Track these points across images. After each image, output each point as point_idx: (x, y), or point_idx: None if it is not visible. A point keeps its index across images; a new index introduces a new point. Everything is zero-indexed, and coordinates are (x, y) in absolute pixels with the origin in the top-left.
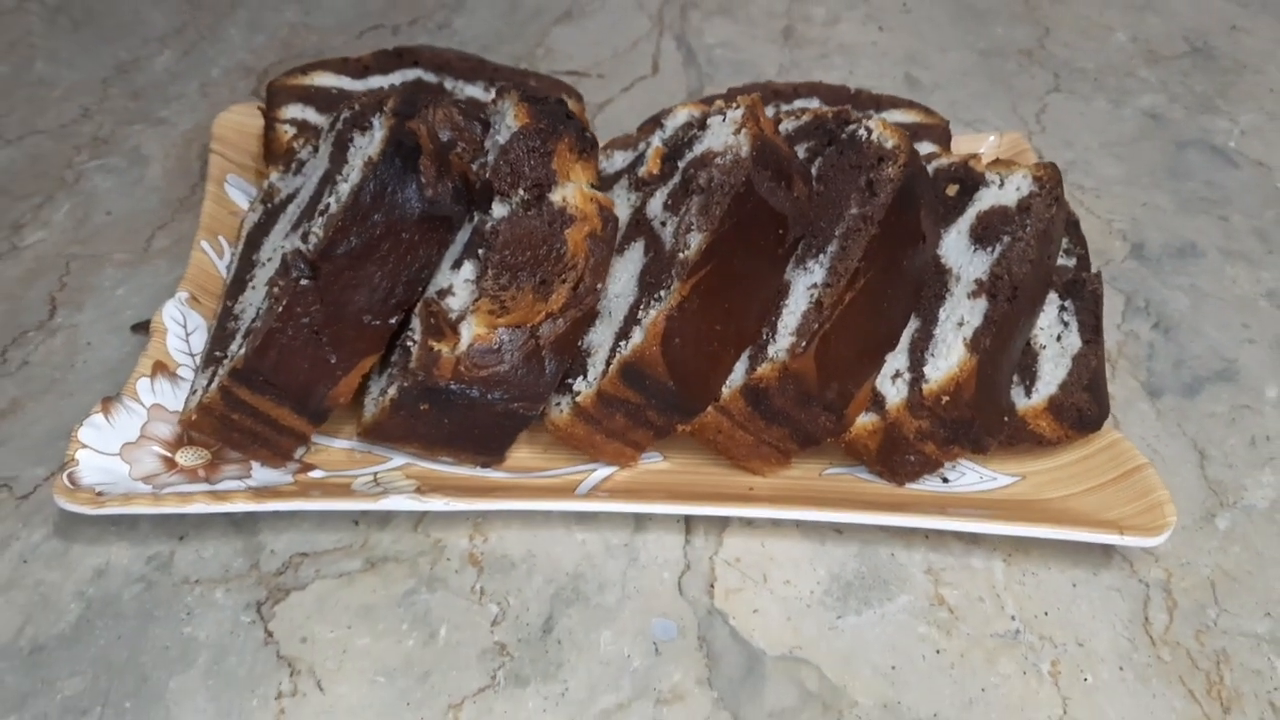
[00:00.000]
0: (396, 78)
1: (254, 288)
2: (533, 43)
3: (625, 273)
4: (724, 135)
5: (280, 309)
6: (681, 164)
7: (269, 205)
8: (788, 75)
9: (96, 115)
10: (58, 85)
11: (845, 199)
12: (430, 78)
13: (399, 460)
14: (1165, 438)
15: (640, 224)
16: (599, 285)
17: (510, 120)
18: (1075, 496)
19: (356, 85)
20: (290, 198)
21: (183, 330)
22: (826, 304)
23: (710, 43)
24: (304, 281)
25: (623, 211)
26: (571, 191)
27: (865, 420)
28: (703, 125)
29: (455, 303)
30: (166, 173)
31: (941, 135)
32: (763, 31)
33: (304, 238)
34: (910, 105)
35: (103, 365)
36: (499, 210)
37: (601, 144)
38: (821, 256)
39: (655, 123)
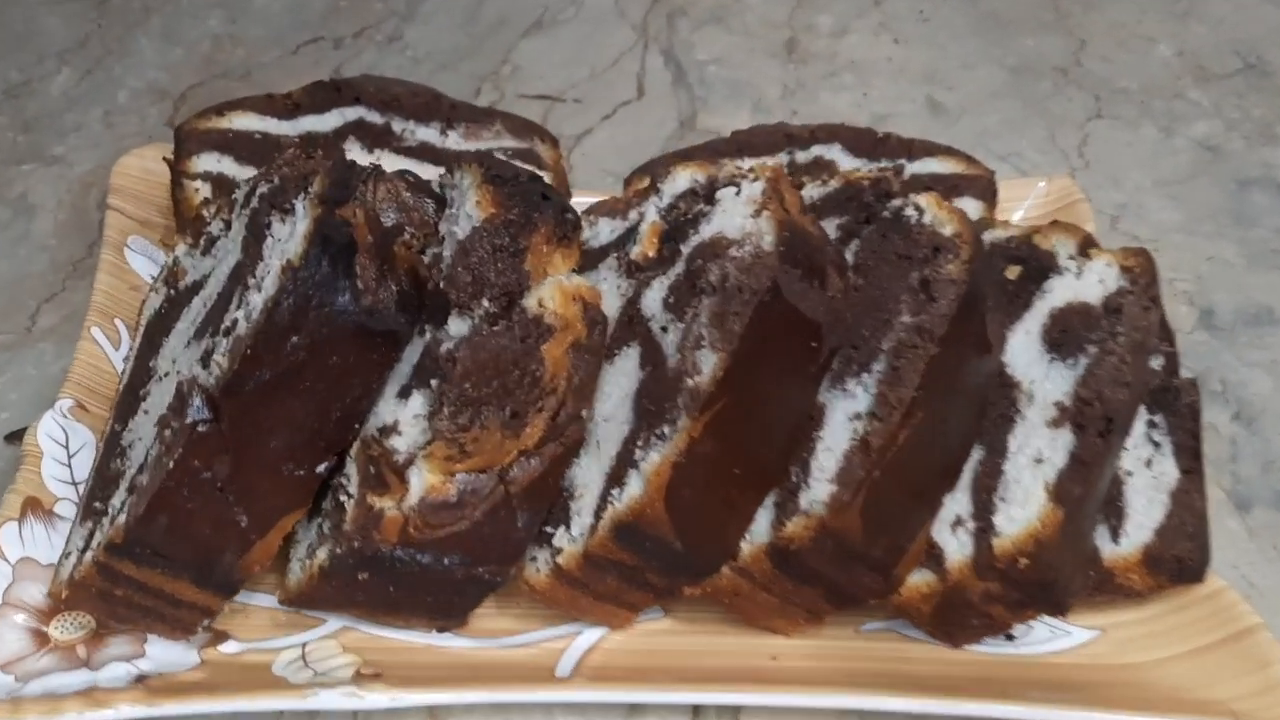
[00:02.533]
0: (334, 118)
1: (146, 411)
2: (497, 59)
3: (616, 388)
4: (739, 217)
5: (172, 462)
6: (685, 248)
7: (173, 289)
8: (792, 97)
9: None
10: None
11: (892, 300)
12: (374, 117)
13: (334, 624)
14: (1261, 564)
15: (634, 323)
16: (584, 411)
17: (471, 206)
18: (1170, 662)
19: (284, 128)
20: (198, 285)
21: (64, 452)
22: (875, 445)
23: (702, 58)
24: (202, 427)
25: (611, 301)
26: (550, 292)
27: (919, 579)
28: (709, 196)
29: (402, 443)
30: (59, 227)
31: (986, 189)
32: (762, 44)
33: (204, 360)
34: (948, 152)
35: None
36: (457, 327)
37: (579, 196)
38: (865, 376)
39: (649, 184)
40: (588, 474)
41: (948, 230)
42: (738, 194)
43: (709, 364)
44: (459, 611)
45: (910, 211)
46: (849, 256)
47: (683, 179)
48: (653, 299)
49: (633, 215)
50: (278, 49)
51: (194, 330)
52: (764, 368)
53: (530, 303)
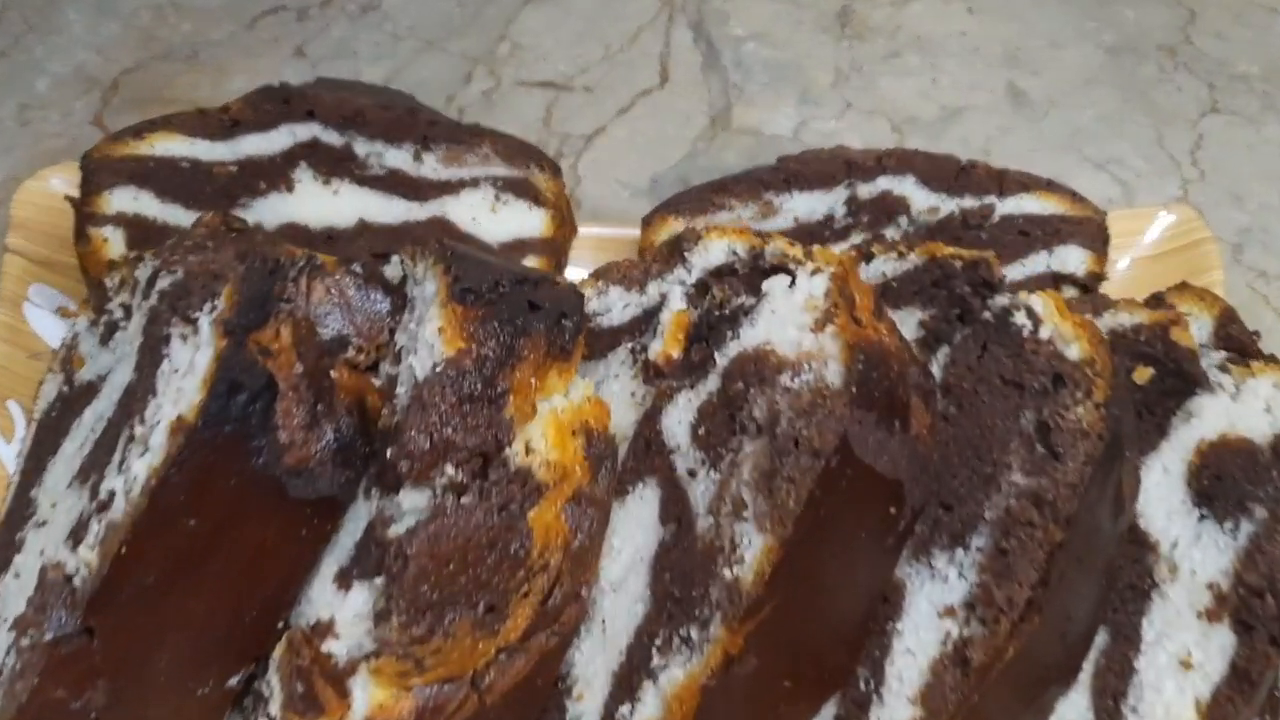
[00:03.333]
0: (281, 137)
1: (17, 575)
2: (493, 35)
3: (628, 544)
4: (793, 326)
5: (28, 693)
6: (720, 355)
7: (69, 383)
8: (845, 84)
9: None
10: None
11: (998, 444)
12: (332, 137)
13: None
14: None
15: (653, 451)
16: (584, 586)
17: (431, 333)
18: None
19: (219, 151)
20: (92, 389)
21: None
22: (976, 661)
23: (739, 34)
24: (66, 646)
25: (623, 410)
26: (540, 432)
27: None
28: (752, 280)
29: (341, 646)
30: None
31: (1095, 234)
32: (810, 15)
33: (75, 537)
34: (1049, 189)
35: None
36: (412, 501)
37: (586, 228)
38: (960, 554)
39: (673, 247)
40: (590, 664)
41: (1074, 352)
42: (791, 287)
43: (753, 550)
44: None
45: (1020, 318)
46: (936, 368)
47: (717, 250)
48: (677, 421)
49: (652, 290)
50: (231, 22)
51: (78, 466)
52: (827, 550)
53: (514, 452)
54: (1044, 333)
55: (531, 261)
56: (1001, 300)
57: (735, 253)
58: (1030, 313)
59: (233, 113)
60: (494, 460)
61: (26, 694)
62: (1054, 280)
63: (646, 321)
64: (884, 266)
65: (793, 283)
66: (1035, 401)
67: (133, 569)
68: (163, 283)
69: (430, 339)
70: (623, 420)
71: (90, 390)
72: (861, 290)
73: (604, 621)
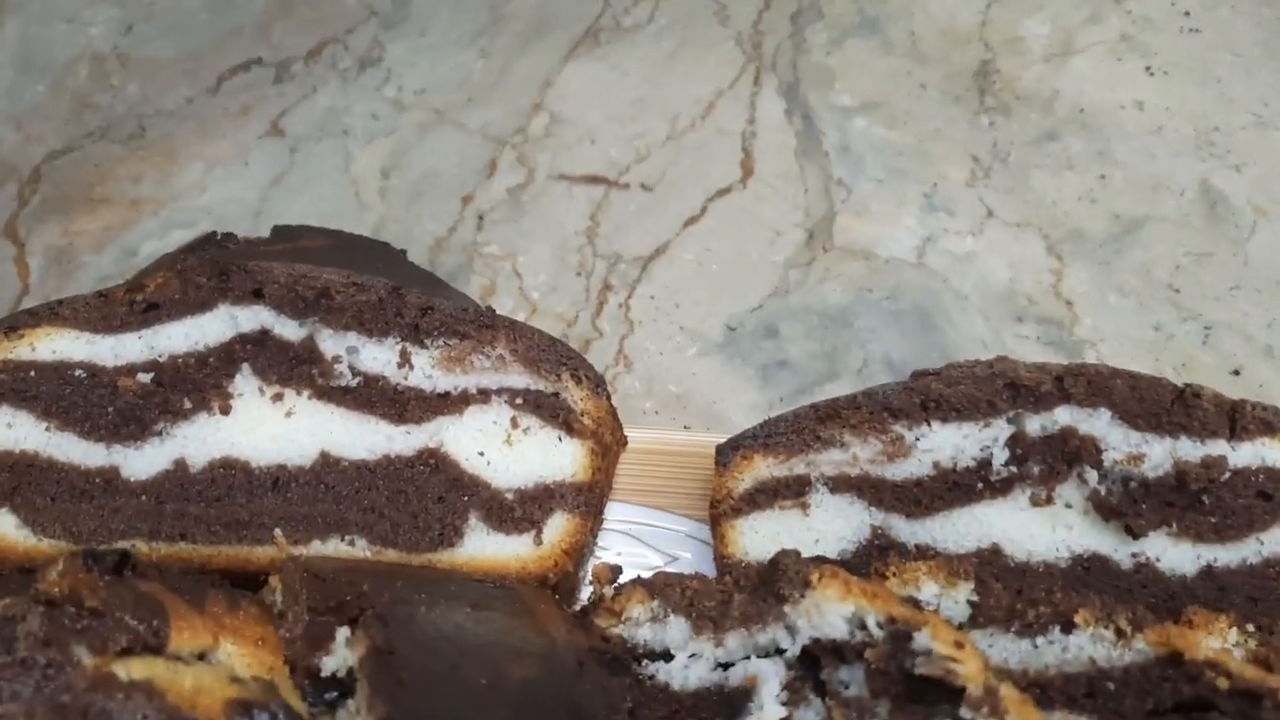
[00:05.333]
0: (217, 325)
1: None
2: (526, 103)
3: None
4: None
5: None
6: None
7: None
8: (985, 181)
9: None
10: None
11: None
12: (287, 328)
13: None
14: None
15: None
16: None
17: None
18: None
19: (130, 349)
20: None
21: None
22: None
23: (847, 103)
24: None
25: None
26: None
27: None
28: (894, 690)
29: None
30: None
31: None
32: (937, 76)
33: None
34: None
35: None
36: None
37: (636, 432)
38: None
39: (769, 584)
40: None
41: None
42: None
43: None
44: None
45: None
46: None
47: (835, 615)
48: None
49: (733, 648)
50: (189, 84)
51: None
52: None
53: None
54: None
55: (559, 521)
56: None
57: (864, 624)
58: None
59: (149, 293)
60: None
61: None
62: None
63: (725, 706)
64: (1092, 648)
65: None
66: None
67: None
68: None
69: None
70: None
71: None
72: None
73: None
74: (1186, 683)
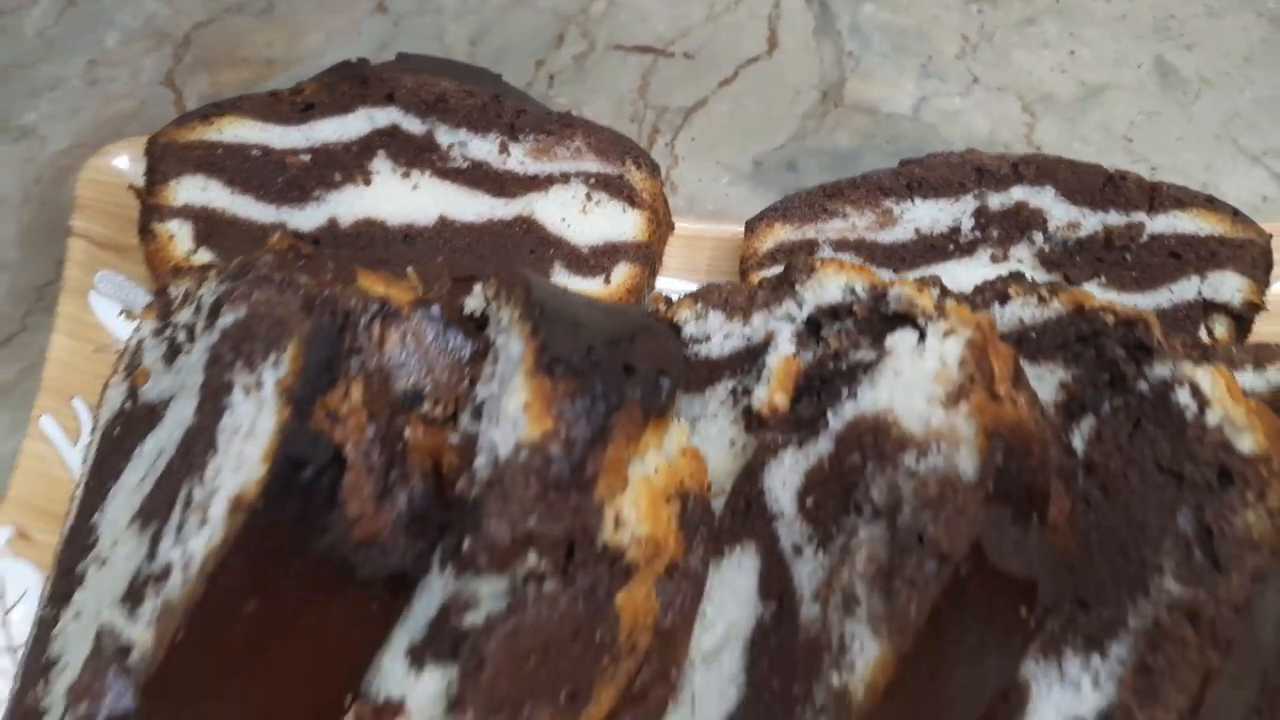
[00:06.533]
0: (359, 122)
1: (78, 615)
2: None
3: (722, 616)
4: (920, 395)
5: None
6: (833, 415)
7: (133, 397)
8: (974, 56)
9: None
10: None
11: (1148, 542)
12: (412, 124)
13: None
14: None
15: (753, 512)
16: (674, 666)
17: (515, 407)
18: None
19: (293, 138)
20: (155, 414)
21: None
22: None
23: None
24: None
25: (721, 455)
26: (631, 503)
27: None
28: (873, 330)
29: None
30: (25, 233)
31: (1256, 260)
32: None
33: (132, 600)
34: (1208, 206)
35: None
36: (490, 588)
37: (683, 224)
38: (1096, 660)
39: (785, 281)
40: None
41: (1246, 444)
42: (919, 346)
43: (866, 657)
44: None
45: (1184, 396)
46: (1078, 439)
47: (833, 287)
48: (781, 484)
49: (757, 323)
50: None
51: (139, 504)
52: (948, 661)
53: (603, 528)
54: (1211, 417)
55: (623, 268)
56: (1161, 371)
57: (854, 292)
58: (1196, 391)
59: (307, 95)
60: (581, 548)
61: None
62: (1205, 309)
63: (750, 359)
64: (1022, 311)
65: (921, 339)
66: (1196, 498)
67: (189, 656)
68: (226, 318)
69: (514, 413)
70: (720, 469)
71: (153, 414)
72: (1001, 357)
73: (693, 696)
74: (1085, 322)
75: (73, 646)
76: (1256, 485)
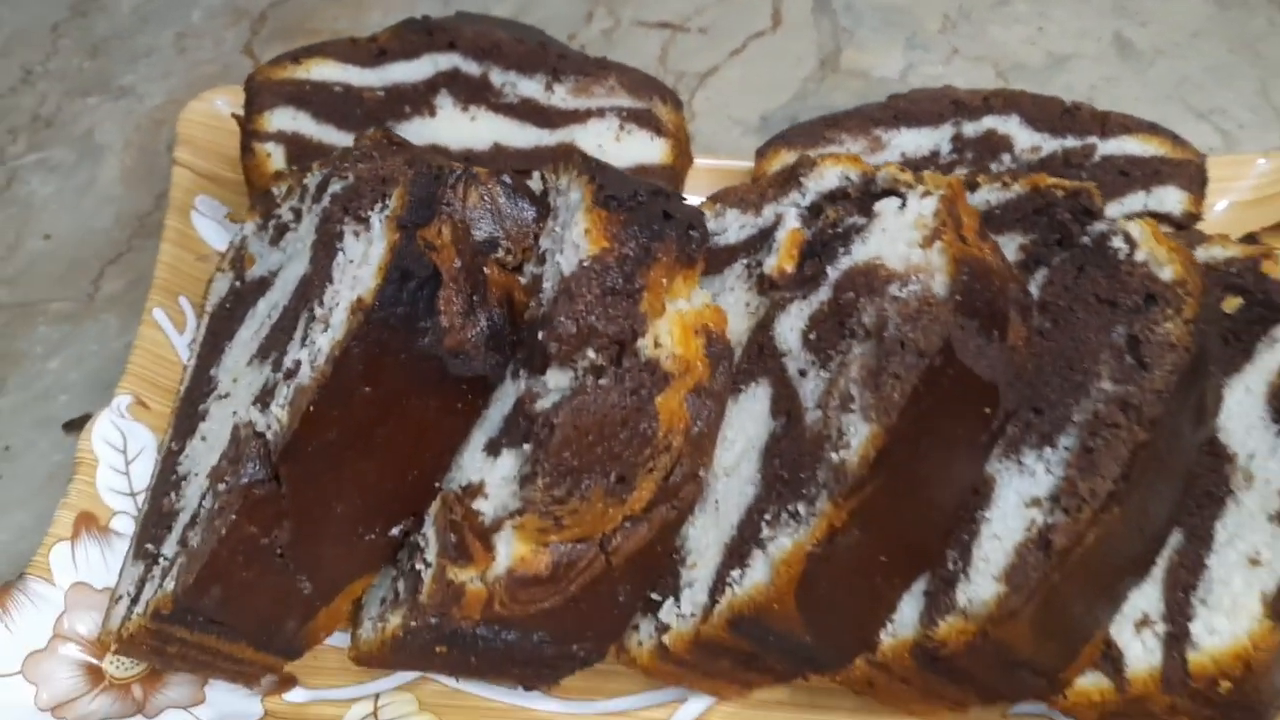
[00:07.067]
0: (425, 65)
1: (204, 438)
2: None
3: (741, 435)
4: (902, 242)
5: (225, 528)
6: (831, 270)
7: (239, 278)
8: (954, 30)
9: (41, 81)
10: None
11: (1089, 356)
12: (471, 67)
13: (408, 674)
14: None
15: (765, 354)
16: (701, 469)
17: (578, 234)
18: None
19: (369, 78)
20: (265, 283)
21: (121, 458)
22: (1058, 545)
23: None
24: (259, 489)
25: (738, 320)
26: (667, 329)
27: (1090, 683)
28: (864, 203)
29: (489, 506)
30: (126, 173)
31: (1194, 177)
32: None
33: (263, 401)
34: (1151, 131)
35: (26, 483)
36: (556, 380)
37: (702, 159)
38: (1048, 451)
39: (788, 173)
40: (703, 537)
41: (1167, 274)
42: (901, 209)
43: (859, 437)
44: (549, 680)
45: (1118, 242)
46: (1034, 288)
47: (832, 175)
48: (789, 329)
49: (767, 213)
50: None
51: (257, 347)
52: (926, 442)
53: (645, 344)
54: (1140, 256)
55: None
56: (1100, 226)
57: (849, 178)
58: (1128, 237)
59: (381, 42)
60: (628, 349)
61: (225, 529)
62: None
63: (762, 241)
64: (988, 195)
65: (903, 204)
66: (1127, 317)
67: (317, 427)
68: (334, 187)
69: (576, 239)
70: (737, 328)
71: (263, 284)
72: (968, 212)
73: (717, 502)
74: (1040, 197)
75: (202, 461)
76: (1175, 302)
